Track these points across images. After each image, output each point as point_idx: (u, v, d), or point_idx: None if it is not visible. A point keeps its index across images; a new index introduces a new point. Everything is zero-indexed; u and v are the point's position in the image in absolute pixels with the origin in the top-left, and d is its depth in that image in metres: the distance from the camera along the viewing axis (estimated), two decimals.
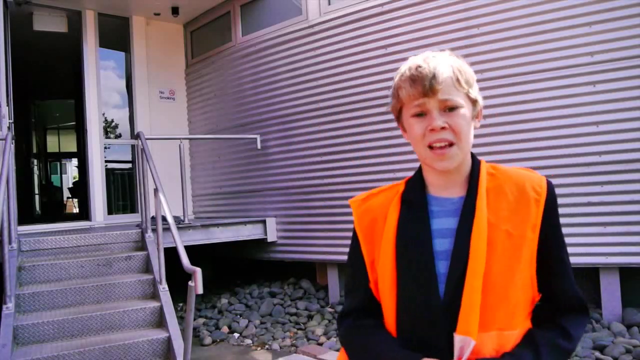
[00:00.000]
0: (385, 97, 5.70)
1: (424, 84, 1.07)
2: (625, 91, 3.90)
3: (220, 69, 6.84)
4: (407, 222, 1.15)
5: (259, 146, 6.18)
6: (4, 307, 3.72)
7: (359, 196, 1.28)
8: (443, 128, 1.07)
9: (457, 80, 1.09)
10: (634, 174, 3.87)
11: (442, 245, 1.11)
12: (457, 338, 1.03)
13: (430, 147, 1.09)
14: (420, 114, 1.10)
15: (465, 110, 1.10)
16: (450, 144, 1.08)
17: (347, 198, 5.75)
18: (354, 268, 1.23)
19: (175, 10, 6.96)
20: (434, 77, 1.07)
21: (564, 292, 1.15)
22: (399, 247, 1.14)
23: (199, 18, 7.27)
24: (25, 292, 3.95)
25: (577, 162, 4.06)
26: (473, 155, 1.17)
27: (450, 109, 1.08)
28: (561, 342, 1.11)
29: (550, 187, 1.15)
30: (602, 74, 3.97)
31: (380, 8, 5.08)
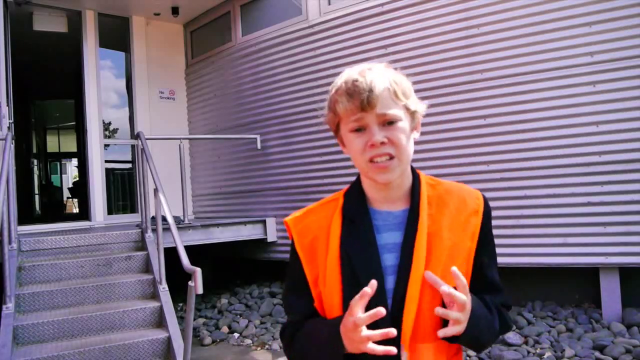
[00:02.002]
0: None
1: (361, 99, 1.06)
2: (625, 91, 3.90)
3: (220, 69, 6.84)
4: (351, 237, 1.14)
5: (259, 146, 6.18)
6: (4, 307, 3.72)
7: (294, 214, 1.24)
8: (382, 143, 1.07)
9: (394, 93, 1.08)
10: (634, 174, 3.87)
11: (390, 259, 1.11)
12: (404, 355, 1.06)
13: (371, 161, 1.09)
14: (359, 129, 1.09)
15: (404, 122, 1.09)
16: (391, 157, 1.08)
17: None
18: (295, 287, 1.21)
19: (175, 10, 6.96)
20: (370, 90, 1.05)
21: (495, 294, 1.19)
22: (344, 263, 1.12)
23: (199, 18, 7.27)
24: (25, 292, 3.95)
25: (577, 162, 4.06)
26: (412, 169, 1.18)
27: (389, 122, 1.08)
28: (503, 311, 1.19)
29: (486, 199, 1.19)
30: (602, 74, 3.97)
31: (380, 8, 5.08)
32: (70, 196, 14.20)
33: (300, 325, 1.18)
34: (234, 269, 6.83)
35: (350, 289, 1.09)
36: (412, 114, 1.12)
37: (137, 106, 7.03)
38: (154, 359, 3.77)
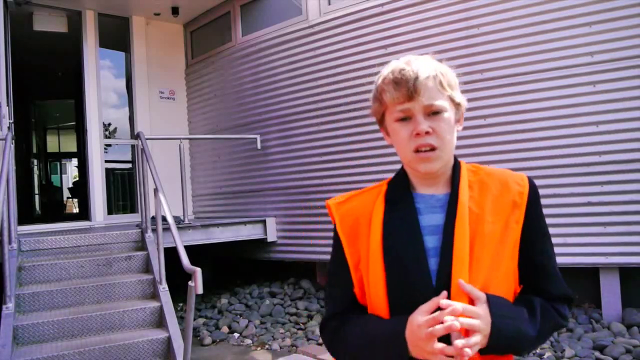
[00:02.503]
0: None
1: (407, 87, 1.07)
2: (625, 91, 3.90)
3: (220, 69, 6.84)
4: (393, 220, 1.15)
5: (259, 146, 6.18)
6: (4, 307, 3.72)
7: (336, 198, 1.26)
8: (427, 132, 1.08)
9: (440, 83, 1.09)
10: (634, 174, 3.87)
11: (432, 241, 1.12)
12: (462, 282, 1.05)
13: (416, 150, 1.10)
14: (405, 119, 1.10)
15: (449, 114, 1.11)
16: (433, 149, 1.09)
17: None
18: (336, 273, 1.22)
19: (175, 10, 6.96)
20: (417, 79, 1.07)
21: (548, 284, 1.16)
22: (386, 245, 1.13)
23: (199, 18, 7.27)
24: (25, 292, 3.95)
25: (577, 162, 4.06)
26: (454, 157, 1.19)
27: (434, 112, 1.09)
28: (553, 313, 1.14)
29: (532, 182, 1.16)
30: (602, 74, 3.97)
31: (380, 8, 5.08)
32: (70, 196, 14.19)
33: (345, 319, 1.17)
34: (234, 269, 6.83)
35: (393, 271, 1.10)
36: (456, 105, 1.14)
37: (137, 106, 7.03)
38: (154, 359, 3.77)
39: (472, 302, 1.05)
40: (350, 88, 5.25)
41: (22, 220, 5.41)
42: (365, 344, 1.11)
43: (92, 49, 6.72)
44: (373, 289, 1.13)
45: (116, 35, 7.02)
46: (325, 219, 5.48)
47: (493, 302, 1.04)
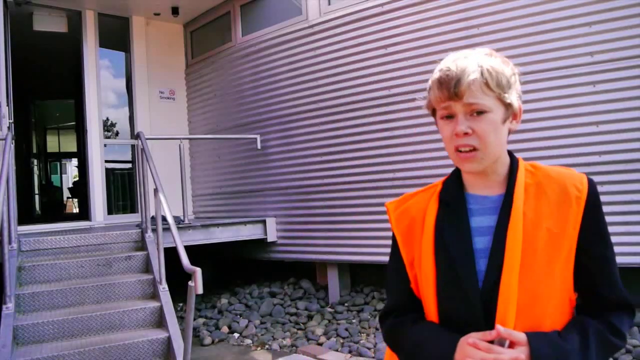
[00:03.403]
0: (385, 97, 5.70)
1: (449, 88, 1.07)
2: (625, 91, 3.89)
3: (220, 69, 6.84)
4: (446, 220, 1.16)
5: (259, 146, 6.18)
6: (4, 307, 3.72)
7: (395, 200, 1.28)
8: (466, 134, 1.07)
9: (486, 83, 1.07)
10: (634, 174, 3.87)
11: (482, 243, 1.11)
12: (499, 327, 1.03)
13: (457, 150, 1.10)
14: (449, 116, 1.11)
15: (494, 114, 1.08)
16: (474, 149, 1.08)
17: (347, 198, 5.78)
18: (394, 269, 1.25)
19: (175, 10, 6.96)
20: (459, 81, 1.06)
21: (607, 290, 1.13)
22: (438, 245, 1.14)
23: (199, 18, 7.27)
24: (25, 292, 3.95)
25: (577, 162, 4.06)
26: (511, 154, 1.17)
27: (478, 112, 1.08)
28: (610, 337, 1.09)
29: (592, 185, 1.12)
30: (602, 74, 3.96)
31: (380, 8, 5.08)
32: (70, 196, 14.19)
33: (402, 322, 1.20)
34: (234, 269, 6.83)
35: (442, 270, 1.13)
36: (506, 105, 1.10)
37: (137, 106, 7.03)
38: (154, 359, 3.77)
39: (517, 320, 1.04)
40: (350, 88, 5.25)
41: (22, 220, 5.41)
42: (417, 351, 1.15)
43: (92, 49, 6.72)
44: (424, 287, 1.17)
45: (116, 35, 7.02)
46: (326, 219, 5.48)
47: (534, 343, 1.01)
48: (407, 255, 1.21)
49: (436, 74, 1.11)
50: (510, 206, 1.10)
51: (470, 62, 1.08)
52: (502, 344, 1.01)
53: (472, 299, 1.08)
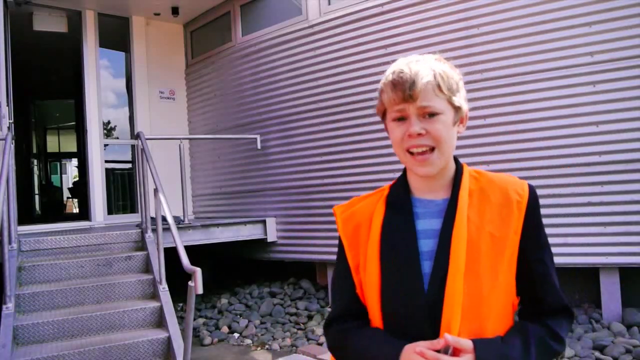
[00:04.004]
0: None
1: (403, 90, 1.08)
2: (625, 91, 3.90)
3: (220, 69, 6.84)
4: (392, 223, 1.17)
5: (259, 146, 6.18)
6: (4, 307, 3.72)
7: (343, 204, 1.29)
8: (420, 134, 1.09)
9: (439, 86, 1.09)
10: (634, 174, 3.87)
11: (427, 245, 1.13)
12: (447, 335, 1.04)
13: (410, 152, 1.11)
14: (401, 119, 1.11)
15: (446, 116, 1.10)
16: (432, 149, 1.10)
17: (347, 198, 5.73)
18: (339, 274, 1.24)
19: (175, 10, 6.96)
20: (413, 83, 1.08)
21: (546, 294, 1.15)
22: (383, 248, 1.15)
23: (199, 18, 7.27)
24: (25, 292, 3.95)
25: (577, 162, 4.06)
26: (456, 159, 1.19)
27: (430, 114, 1.09)
28: (550, 341, 1.11)
29: (532, 191, 1.15)
30: (602, 74, 3.97)
31: (380, 8, 5.08)
32: (70, 196, 14.19)
33: (348, 328, 1.19)
34: (234, 269, 6.83)
35: (387, 274, 1.13)
36: (456, 108, 1.13)
37: (137, 106, 7.03)
38: (154, 359, 3.77)
39: (461, 324, 1.05)
40: (350, 88, 5.25)
41: (22, 220, 5.41)
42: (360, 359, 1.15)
43: (92, 49, 6.72)
44: (369, 292, 1.16)
45: (116, 35, 7.02)
46: (326, 219, 5.48)
47: (480, 350, 1.02)
48: (352, 260, 1.20)
49: (389, 77, 1.12)
50: (455, 210, 1.12)
51: (423, 66, 1.10)
52: (446, 351, 1.02)
53: (417, 301, 1.08)
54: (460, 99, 1.13)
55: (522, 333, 1.10)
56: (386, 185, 1.26)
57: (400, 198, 1.19)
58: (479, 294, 1.06)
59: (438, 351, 1.02)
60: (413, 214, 1.16)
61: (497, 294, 1.08)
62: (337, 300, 1.26)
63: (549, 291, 1.15)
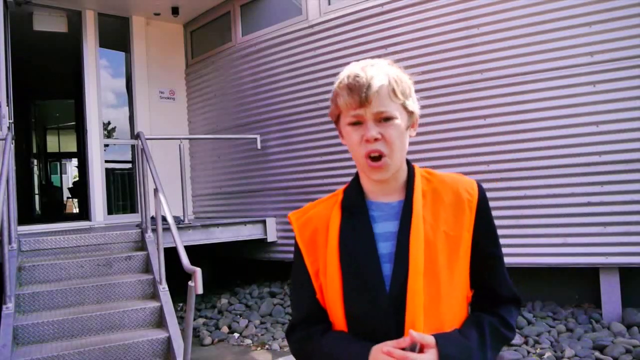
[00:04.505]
0: None
1: (360, 94, 1.09)
2: (625, 91, 3.90)
3: (220, 69, 6.84)
4: (349, 228, 1.18)
5: (259, 146, 6.17)
6: (4, 307, 3.72)
7: (297, 210, 1.30)
8: (376, 139, 1.10)
9: (393, 91, 1.11)
10: (634, 174, 3.87)
11: (386, 248, 1.15)
12: (412, 332, 1.06)
13: (367, 156, 1.12)
14: (357, 123, 1.12)
15: (400, 121, 1.12)
16: (383, 155, 1.11)
17: None
18: (299, 281, 1.25)
19: (175, 10, 6.96)
20: (369, 87, 1.08)
21: (498, 285, 1.20)
22: (343, 252, 1.16)
23: (199, 18, 7.27)
24: (25, 292, 3.95)
25: (577, 162, 4.06)
26: (408, 162, 1.21)
27: (385, 119, 1.10)
28: (502, 329, 1.17)
29: (481, 190, 1.19)
30: (602, 74, 3.97)
31: (380, 8, 5.08)
32: (70, 196, 14.19)
33: (311, 334, 1.20)
34: (234, 269, 6.83)
35: (349, 278, 1.14)
36: (409, 113, 1.15)
37: (137, 106, 7.03)
38: (154, 359, 3.77)
39: (425, 321, 1.09)
40: None
41: (22, 220, 5.41)
42: None
43: (92, 49, 6.72)
44: (330, 296, 1.17)
45: (116, 35, 7.02)
46: None
47: (442, 344, 1.06)
48: (311, 265, 1.21)
49: (344, 81, 1.12)
50: (410, 212, 1.14)
51: (378, 70, 1.11)
52: (413, 349, 1.06)
53: (381, 303, 1.11)
54: (413, 104, 1.15)
55: (477, 324, 1.15)
56: (339, 189, 1.26)
57: (355, 202, 1.20)
58: (438, 292, 1.10)
59: (404, 349, 1.06)
60: (369, 217, 1.18)
61: (454, 290, 1.13)
62: (298, 307, 1.27)
63: (501, 283, 1.21)
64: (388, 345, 1.05)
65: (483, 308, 1.20)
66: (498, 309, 1.19)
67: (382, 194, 1.19)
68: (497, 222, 1.21)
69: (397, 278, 1.11)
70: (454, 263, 1.13)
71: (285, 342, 4.49)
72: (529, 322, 4.08)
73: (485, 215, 1.18)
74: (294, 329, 1.25)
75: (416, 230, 1.12)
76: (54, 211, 12.49)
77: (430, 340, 1.06)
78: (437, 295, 1.10)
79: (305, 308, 1.24)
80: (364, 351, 1.08)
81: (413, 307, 1.08)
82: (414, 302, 1.08)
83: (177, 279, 4.27)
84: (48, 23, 6.61)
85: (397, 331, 1.08)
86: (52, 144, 15.10)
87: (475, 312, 1.20)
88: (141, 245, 4.82)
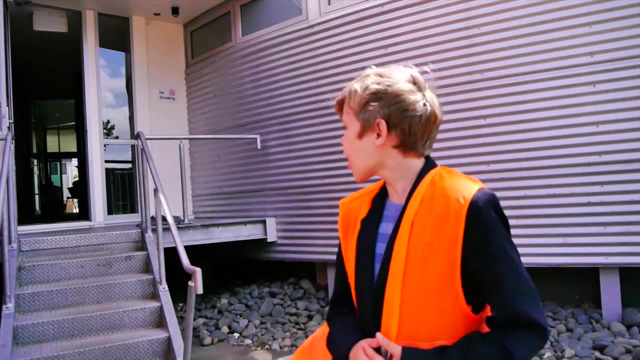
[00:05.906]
0: None
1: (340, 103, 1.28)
2: (625, 91, 3.90)
3: (220, 69, 6.84)
4: (365, 225, 1.26)
5: (259, 146, 6.17)
6: (4, 307, 3.72)
7: (346, 197, 1.38)
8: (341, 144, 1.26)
9: (348, 102, 1.22)
10: (634, 174, 3.87)
11: (381, 248, 1.20)
12: (379, 336, 1.14)
13: None
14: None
15: (350, 130, 1.22)
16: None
17: None
18: (338, 262, 1.36)
19: (175, 10, 6.96)
20: (341, 99, 1.26)
21: (499, 305, 1.10)
22: (357, 247, 1.26)
23: (199, 18, 7.27)
24: (25, 292, 3.95)
25: (577, 162, 4.06)
26: (428, 162, 1.21)
27: (344, 127, 1.25)
28: (494, 358, 1.05)
29: (477, 200, 1.08)
30: (602, 74, 3.97)
31: (380, 8, 5.08)
32: (70, 196, 14.19)
33: (337, 310, 1.35)
34: (234, 269, 6.83)
35: (357, 271, 1.25)
36: (361, 121, 1.20)
37: (137, 106, 7.03)
38: (154, 359, 3.77)
39: (398, 330, 1.14)
40: None
41: (22, 220, 5.41)
42: (330, 340, 1.31)
43: (92, 49, 6.72)
44: (349, 281, 1.29)
45: (116, 35, 7.02)
46: (326, 219, 5.48)
47: (406, 358, 1.09)
48: (344, 251, 1.32)
49: None
50: (402, 217, 1.18)
51: (356, 81, 1.23)
52: (385, 355, 1.12)
53: (367, 302, 1.20)
54: (366, 114, 1.17)
55: (463, 348, 1.07)
56: (381, 181, 1.31)
57: (377, 200, 1.27)
58: (415, 300, 1.11)
59: (378, 350, 1.12)
60: (381, 216, 1.24)
61: (434, 302, 1.10)
62: (335, 286, 1.40)
63: (506, 305, 1.07)
64: (366, 342, 1.15)
65: (492, 327, 1.12)
66: (504, 333, 1.07)
67: (395, 195, 1.23)
68: None
69: (381, 278, 1.17)
70: (436, 275, 1.09)
71: (285, 342, 4.49)
72: None
73: (480, 227, 1.07)
74: (331, 303, 1.40)
75: (402, 235, 1.14)
76: (54, 211, 12.49)
77: (396, 350, 1.10)
78: (414, 303, 1.12)
79: (337, 288, 1.38)
80: (350, 343, 1.19)
81: (389, 308, 1.13)
82: (390, 303, 1.13)
83: (177, 279, 4.27)
84: (48, 23, 6.61)
85: (376, 328, 1.16)
86: (52, 144, 15.10)
87: (472, 334, 1.12)
88: (141, 245, 4.82)
